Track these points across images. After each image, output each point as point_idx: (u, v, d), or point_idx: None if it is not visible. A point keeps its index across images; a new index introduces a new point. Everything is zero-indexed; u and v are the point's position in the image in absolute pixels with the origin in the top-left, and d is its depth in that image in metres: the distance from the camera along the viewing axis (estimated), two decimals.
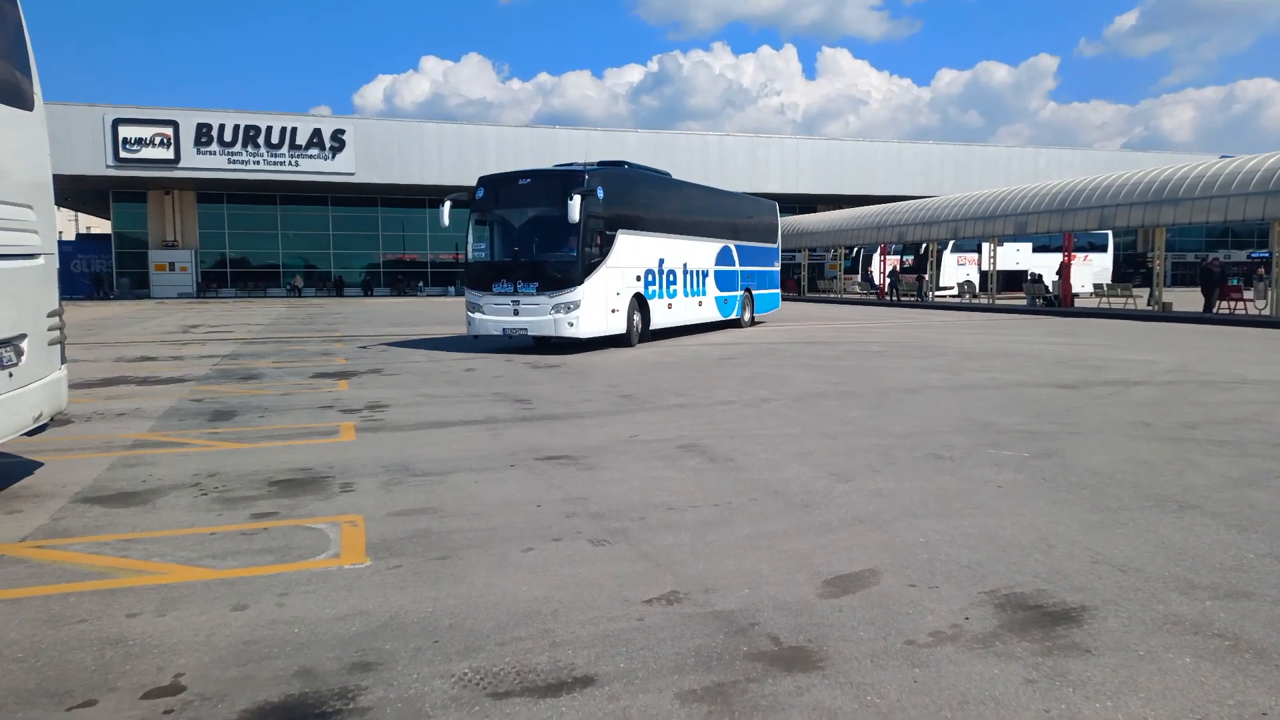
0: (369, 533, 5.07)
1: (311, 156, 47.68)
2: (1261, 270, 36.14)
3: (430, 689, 3.20)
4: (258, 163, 47.00)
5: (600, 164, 17.09)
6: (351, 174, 48.44)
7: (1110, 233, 43.32)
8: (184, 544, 4.90)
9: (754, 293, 23.87)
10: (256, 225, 53.50)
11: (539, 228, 15.89)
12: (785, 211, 53.96)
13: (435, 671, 3.34)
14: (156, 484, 6.28)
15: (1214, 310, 27.02)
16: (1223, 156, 29.49)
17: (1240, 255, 57.28)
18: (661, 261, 18.50)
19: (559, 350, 16.34)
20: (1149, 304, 29.09)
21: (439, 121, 51.72)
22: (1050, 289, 33.52)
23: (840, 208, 49.86)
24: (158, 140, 45.21)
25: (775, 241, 25.76)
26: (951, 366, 13.52)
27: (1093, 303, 32.84)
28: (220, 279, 53.37)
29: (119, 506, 5.70)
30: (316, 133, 47.74)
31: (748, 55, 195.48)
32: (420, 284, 55.97)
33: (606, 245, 16.16)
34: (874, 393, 10.70)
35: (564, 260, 15.51)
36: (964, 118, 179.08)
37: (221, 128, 46.24)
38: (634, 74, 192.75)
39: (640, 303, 17.68)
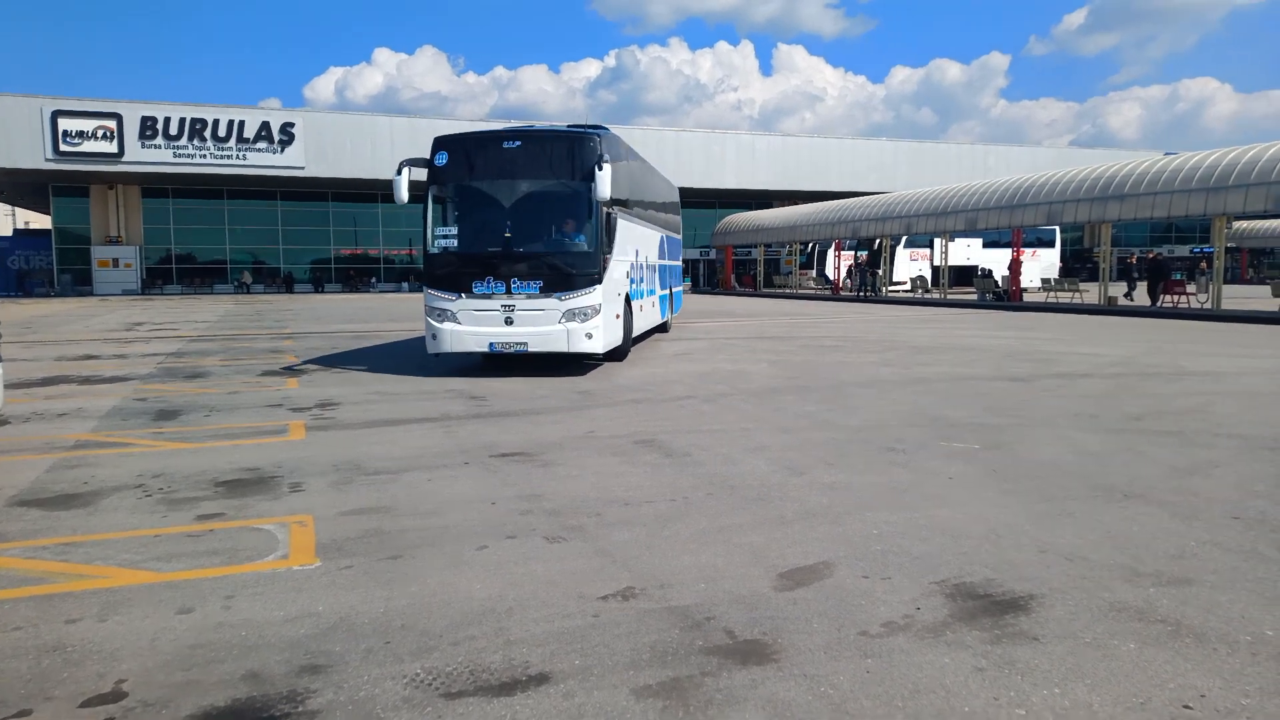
0: (319, 533, 4.98)
1: (260, 150, 46.83)
2: (1203, 265, 37.21)
3: (382, 690, 3.15)
4: (204, 156, 46.04)
5: (573, 127, 12.77)
6: (301, 168, 47.66)
7: (1058, 228, 44.28)
8: (127, 547, 4.77)
9: (674, 290, 20.31)
10: (203, 220, 52.42)
11: (539, 207, 11.92)
12: (742, 207, 54.51)
13: (387, 673, 3.28)
14: (99, 486, 6.10)
15: (1158, 303, 27.73)
16: (1167, 154, 30.32)
17: (1183, 250, 58.91)
18: (638, 253, 14.98)
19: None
20: (1125, 298, 29.73)
21: (391, 115, 51.12)
22: (1000, 284, 34.18)
23: (796, 203, 50.28)
24: (100, 133, 44.05)
25: (680, 231, 22.34)
26: (904, 361, 13.69)
27: (1041, 297, 33.50)
28: (166, 275, 52.24)
29: (59, 509, 5.53)
30: (265, 126, 46.90)
31: (705, 51, 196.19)
32: (373, 280, 55.31)
33: (612, 232, 12.47)
34: (828, 387, 10.80)
35: (578, 251, 11.67)
36: (917, 115, 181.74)
37: (167, 120, 45.19)
38: (591, 68, 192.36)
39: (627, 305, 13.75)
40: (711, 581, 4.18)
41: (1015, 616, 3.74)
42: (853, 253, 44.96)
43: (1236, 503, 5.43)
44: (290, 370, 13.05)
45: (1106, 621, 3.68)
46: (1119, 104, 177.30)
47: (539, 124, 16.76)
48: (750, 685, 3.17)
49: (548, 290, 11.49)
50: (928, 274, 42.85)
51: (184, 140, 45.53)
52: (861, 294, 38.99)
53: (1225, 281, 27.08)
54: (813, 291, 44.89)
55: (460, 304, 11.60)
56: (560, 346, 11.60)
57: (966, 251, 44.06)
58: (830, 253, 44.65)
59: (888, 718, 2.95)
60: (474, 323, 11.58)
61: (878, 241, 41.93)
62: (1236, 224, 53.91)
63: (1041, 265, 43.60)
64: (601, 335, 11.74)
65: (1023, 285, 33.97)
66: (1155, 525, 5.01)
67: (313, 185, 50.98)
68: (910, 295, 40.21)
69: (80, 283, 49.64)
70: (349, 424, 8.49)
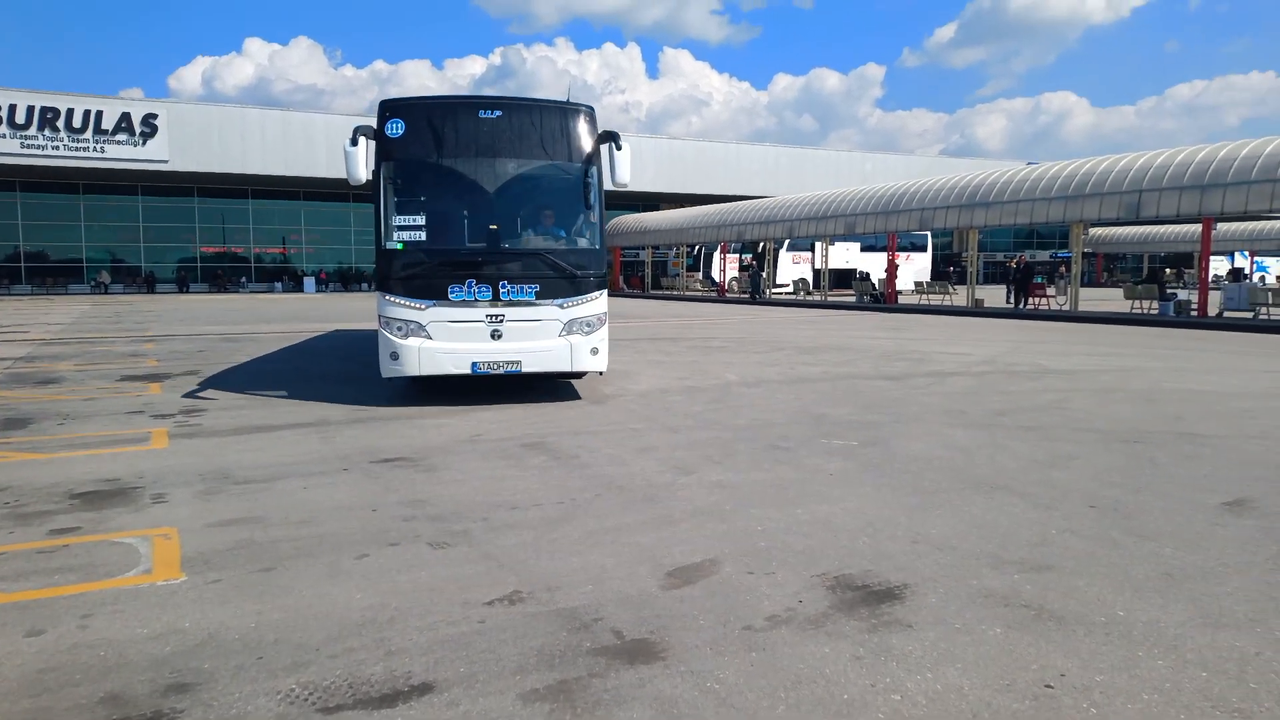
0: (185, 546, 4.71)
1: (119, 142, 44.11)
2: (1063, 269, 39.66)
3: (254, 707, 3.00)
4: (57, 148, 43.03)
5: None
6: (165, 162, 45.14)
7: (929, 233, 46.37)
8: None
9: None
10: (56, 216, 49.05)
11: (532, 193, 9.96)
12: (629, 209, 54.82)
13: (259, 689, 3.13)
14: None
15: (1022, 306, 29.36)
16: (1029, 163, 32.21)
17: (1044, 255, 62.59)
18: None
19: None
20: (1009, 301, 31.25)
21: (263, 107, 48.99)
22: (877, 286, 35.53)
23: (683, 206, 50.93)
24: None
25: None
26: (788, 361, 14.04)
27: (914, 299, 34.99)
28: (13, 275, 48.64)
29: None
30: (125, 117, 44.20)
31: (592, 52, 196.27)
32: (243, 280, 52.95)
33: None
34: (716, 387, 10.96)
35: (583, 249, 9.67)
36: (799, 122, 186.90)
37: (13, 108, 42.02)
38: (476, 66, 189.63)
39: None
40: (599, 582, 4.16)
41: (891, 605, 3.88)
42: (738, 255, 45.87)
43: (1092, 492, 5.79)
44: (153, 375, 12.34)
45: (975, 607, 3.86)
46: (986, 115, 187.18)
47: None
48: (638, 684, 3.17)
49: (545, 296, 9.28)
50: (809, 277, 44.16)
51: (34, 130, 42.43)
52: (753, 296, 39.86)
53: (1082, 285, 28.94)
54: (700, 293, 45.57)
55: (433, 314, 9.09)
56: (561, 365, 9.44)
57: (846, 255, 45.62)
58: (717, 255, 45.45)
59: (771, 709, 3.00)
60: (450, 337, 9.12)
61: (762, 245, 42.92)
62: (1093, 230, 57.69)
63: (915, 269, 45.56)
64: (605, 350, 9.77)
65: (898, 288, 35.42)
66: (1018, 515, 5.29)
67: (177, 180, 48.40)
68: (793, 297, 41.33)
69: None
70: (216, 430, 8.09)
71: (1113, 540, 4.78)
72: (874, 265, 42.33)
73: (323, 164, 46.69)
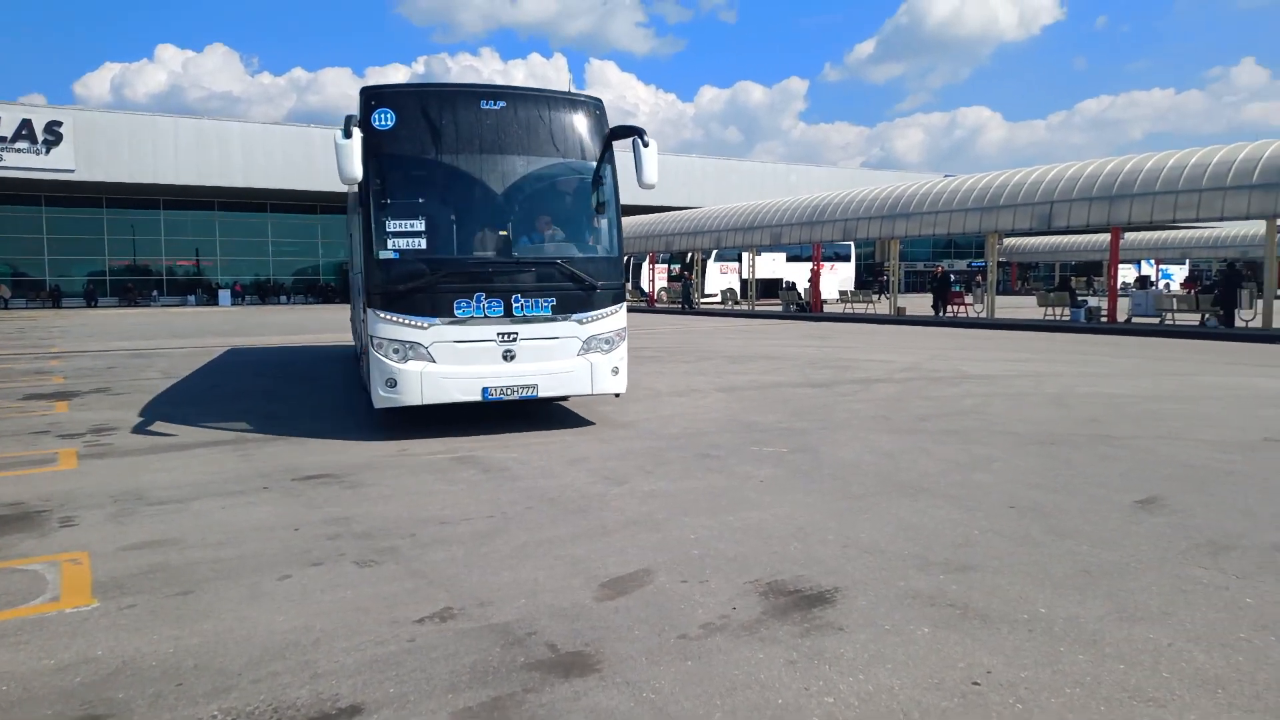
0: (96, 571, 4.50)
1: (20, 150, 42.05)
2: (979, 278, 40.94)
3: None
4: None
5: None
6: (71, 171, 43.22)
7: (852, 244, 47.38)
8: None
9: None
10: None
11: (545, 195, 8.93)
12: None
13: (179, 717, 3.00)
14: None
15: (941, 313, 30.19)
16: (946, 176, 33.15)
17: (962, 264, 64.54)
18: None
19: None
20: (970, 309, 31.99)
21: (176, 115, 47.34)
22: (802, 295, 36.14)
23: None
24: None
25: None
26: (718, 369, 14.16)
27: (839, 308, 35.67)
28: None
29: None
30: (26, 124, 42.18)
31: (517, 62, 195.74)
32: (155, 293, 51.05)
33: None
34: (646, 397, 10.98)
35: (603, 257, 8.78)
36: (725, 133, 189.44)
37: None
38: (398, 74, 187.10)
39: None
40: (532, 596, 4.11)
41: (822, 609, 3.92)
42: (666, 266, 46.13)
43: (1012, 494, 5.97)
44: (60, 393, 11.79)
45: (903, 608, 3.93)
46: (905, 129, 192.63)
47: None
48: (573, 697, 3.14)
49: (563, 310, 8.35)
50: (737, 286, 44.67)
51: None
52: (683, 306, 40.05)
53: (998, 293, 29.92)
54: (629, 303, 45.59)
55: (436, 333, 7.98)
56: (581, 388, 8.53)
57: (772, 265, 46.26)
58: (645, 266, 45.65)
59: (707, 717, 3.00)
60: (458, 360, 8.06)
61: (690, 255, 43.27)
62: (1007, 240, 59.72)
63: (839, 278, 46.48)
64: (625, 370, 8.99)
65: (823, 297, 36.08)
66: (942, 517, 5.41)
67: (84, 190, 46.46)
68: (722, 307, 41.75)
69: None
70: (129, 450, 7.76)
71: (1033, 539, 4.93)
72: (800, 275, 43.03)
73: (239, 173, 45.45)
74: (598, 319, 8.55)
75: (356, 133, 7.51)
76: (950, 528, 5.17)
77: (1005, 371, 13.52)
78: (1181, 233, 55.70)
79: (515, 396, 8.19)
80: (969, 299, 32.86)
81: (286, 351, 18.54)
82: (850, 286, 44.88)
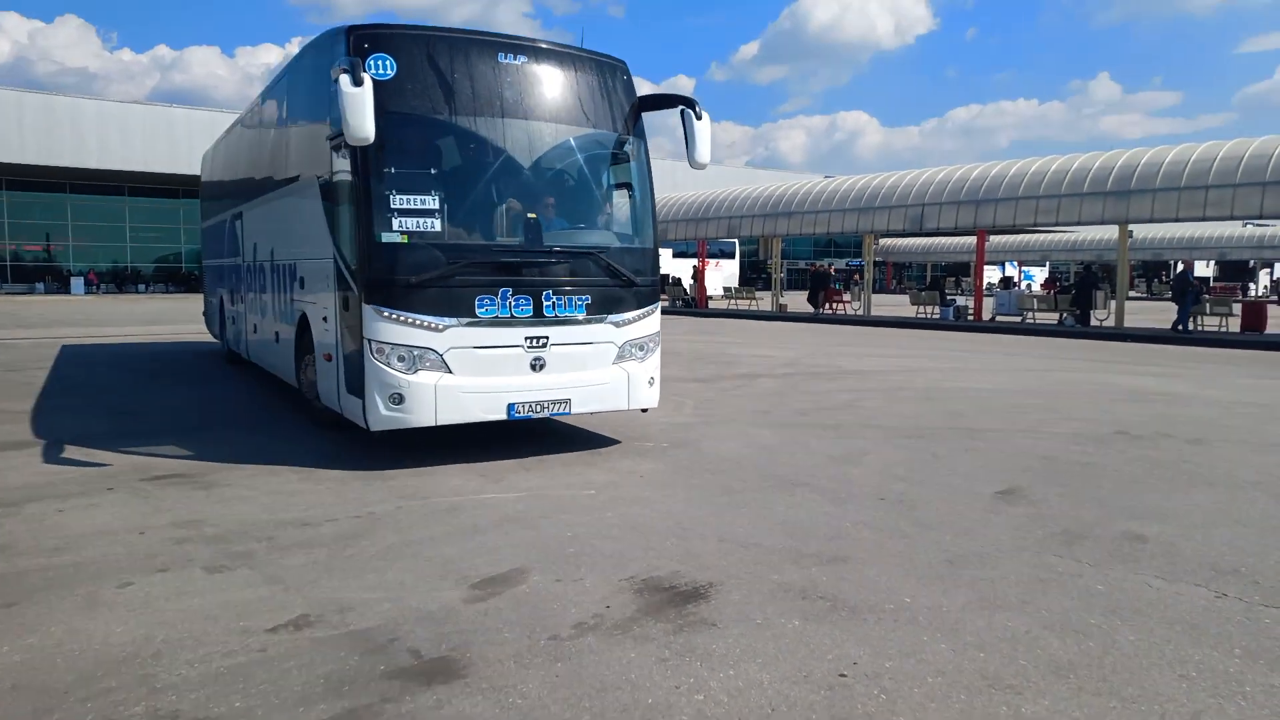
0: None
1: None
2: (857, 276, 42.34)
3: None
4: None
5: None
6: None
7: (737, 241, 48.21)
8: None
9: None
10: None
11: (572, 172, 7.48)
12: None
13: None
14: None
15: (820, 310, 31.04)
16: (826, 177, 34.10)
17: (841, 263, 66.60)
18: None
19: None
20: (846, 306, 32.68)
21: (21, 89, 43.82)
22: (688, 291, 36.51)
23: None
24: None
25: None
26: None
27: (723, 304, 36.23)
28: None
29: None
30: None
31: None
32: None
33: None
34: None
35: (640, 248, 7.54)
36: None
37: None
38: (271, 55, 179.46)
39: None
40: (397, 600, 3.93)
41: (697, 605, 3.89)
42: None
43: (882, 486, 6.12)
44: None
45: (775, 602, 3.94)
46: (788, 130, 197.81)
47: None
48: (435, 706, 2.99)
49: (598, 311, 7.07)
50: None
51: None
52: None
53: (874, 291, 30.98)
54: None
55: (454, 336, 6.50)
56: (617, 403, 7.26)
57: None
58: None
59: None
60: (478, 370, 6.61)
61: None
62: (883, 240, 61.99)
63: (724, 275, 47.21)
64: (659, 381, 7.75)
65: (708, 293, 36.56)
66: (816, 510, 5.49)
67: None
68: None
69: None
70: None
71: (901, 531, 5.05)
72: (685, 271, 43.47)
73: (94, 153, 42.47)
74: (635, 321, 7.29)
75: (368, 79, 5.92)
76: (823, 521, 5.24)
77: (880, 367, 13.96)
78: (1043, 236, 59.05)
79: (545, 414, 6.91)
80: (847, 297, 33.91)
81: (135, 350, 17.47)
82: (735, 283, 45.66)
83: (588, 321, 7.01)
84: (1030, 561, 4.52)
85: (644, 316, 7.36)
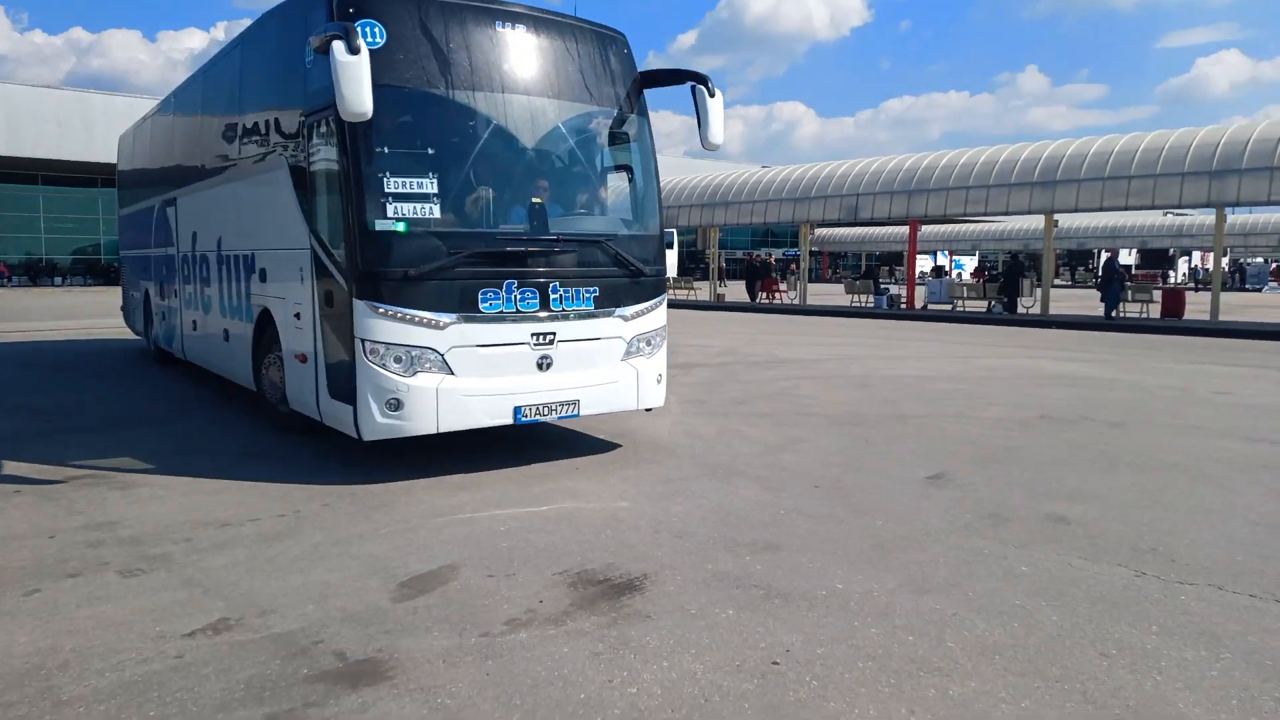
0: None
1: None
2: (794, 266, 42.80)
3: None
4: None
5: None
6: None
7: (675, 231, 48.28)
8: None
9: None
10: None
11: (578, 153, 6.90)
12: None
13: None
14: None
15: (757, 299, 31.30)
16: (763, 167, 34.34)
17: (778, 253, 67.24)
18: None
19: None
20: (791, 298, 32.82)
21: None
22: None
23: None
24: None
25: None
26: None
27: None
28: None
29: None
30: None
31: None
32: None
33: None
34: None
35: (647, 235, 7.11)
36: None
37: None
38: (195, 39, 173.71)
39: None
40: (322, 601, 3.82)
41: (631, 597, 3.86)
42: None
43: (816, 473, 6.17)
44: None
45: (710, 591, 3.93)
46: (726, 120, 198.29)
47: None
48: (360, 709, 2.91)
49: (606, 303, 6.57)
50: None
51: None
52: None
53: (810, 280, 31.34)
54: None
55: (456, 333, 5.93)
56: (626, 402, 6.76)
57: None
58: None
59: (505, 719, 2.86)
60: (482, 371, 6.05)
61: None
62: (819, 230, 62.72)
63: None
64: (665, 378, 7.28)
65: None
66: (751, 498, 5.51)
67: None
68: None
69: None
70: None
71: (834, 517, 5.09)
72: None
73: (3, 140, 40.63)
74: (642, 314, 6.83)
75: (364, 47, 5.28)
76: (758, 509, 5.26)
77: (815, 355, 14.12)
78: (973, 226, 60.42)
79: (554, 417, 6.41)
80: (784, 286, 34.24)
81: (49, 347, 16.80)
82: (673, 273, 45.74)
83: (596, 315, 6.53)
84: (958, 544, 4.60)
85: (652, 309, 6.96)
